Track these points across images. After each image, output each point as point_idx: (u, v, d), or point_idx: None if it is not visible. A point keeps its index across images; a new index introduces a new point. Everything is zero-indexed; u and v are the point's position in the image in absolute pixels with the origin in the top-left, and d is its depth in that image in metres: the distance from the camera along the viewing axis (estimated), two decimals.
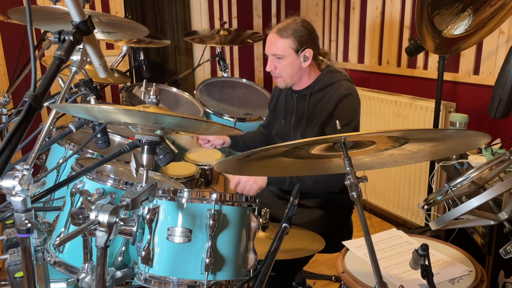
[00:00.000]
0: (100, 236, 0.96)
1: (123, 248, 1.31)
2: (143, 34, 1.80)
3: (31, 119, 0.87)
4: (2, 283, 1.62)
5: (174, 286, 1.20)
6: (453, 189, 1.20)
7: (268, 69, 1.90)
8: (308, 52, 1.83)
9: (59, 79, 1.78)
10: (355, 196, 1.03)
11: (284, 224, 1.23)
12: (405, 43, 3.10)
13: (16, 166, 0.93)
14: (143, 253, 1.20)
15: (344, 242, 1.46)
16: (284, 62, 1.84)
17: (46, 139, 1.32)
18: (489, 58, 2.61)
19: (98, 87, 1.60)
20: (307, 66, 1.86)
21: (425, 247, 1.12)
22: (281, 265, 1.58)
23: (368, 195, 3.46)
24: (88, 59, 1.17)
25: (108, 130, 1.41)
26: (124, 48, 2.75)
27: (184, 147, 2.38)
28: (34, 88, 0.90)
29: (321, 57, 1.92)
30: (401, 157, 1.25)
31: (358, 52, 3.59)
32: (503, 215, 1.18)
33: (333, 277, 2.39)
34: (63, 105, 1.11)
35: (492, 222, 1.19)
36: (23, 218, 0.96)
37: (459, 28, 2.31)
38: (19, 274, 1.30)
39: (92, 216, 0.96)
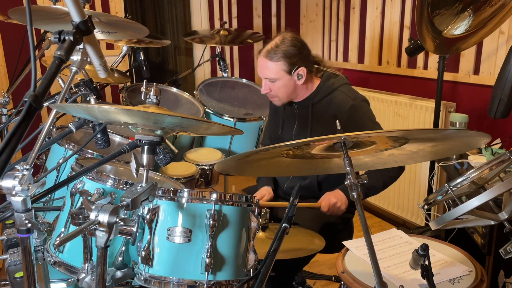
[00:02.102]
0: (100, 236, 0.96)
1: (123, 248, 1.31)
2: (143, 34, 1.80)
3: (31, 119, 0.87)
4: (2, 283, 1.62)
5: (174, 286, 1.20)
6: (453, 189, 1.20)
7: (263, 91, 1.88)
8: (302, 71, 1.81)
9: (59, 79, 1.78)
10: (355, 196, 1.03)
11: (284, 224, 1.23)
12: (405, 43, 3.10)
13: (16, 166, 0.93)
14: (143, 253, 1.20)
15: (344, 242, 1.46)
16: (278, 84, 1.83)
17: (46, 139, 1.32)
18: (489, 58, 2.61)
19: (98, 87, 1.60)
20: (302, 83, 1.85)
21: (425, 247, 1.12)
22: (282, 265, 1.58)
23: None
24: (88, 59, 1.17)
25: (108, 130, 1.41)
26: (124, 48, 2.75)
27: None
28: (34, 88, 0.90)
29: (316, 66, 1.91)
30: (401, 157, 1.25)
31: (358, 52, 3.59)
32: (503, 215, 1.17)
33: (333, 277, 2.39)
34: (63, 105, 1.11)
35: (492, 222, 1.19)
36: (23, 218, 0.96)
37: (459, 28, 2.31)
38: (19, 274, 1.30)
39: (92, 216, 0.96)
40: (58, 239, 0.94)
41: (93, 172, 1.30)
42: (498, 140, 2.33)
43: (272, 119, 2.11)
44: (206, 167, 2.26)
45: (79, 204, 1.28)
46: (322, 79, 1.91)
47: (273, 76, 1.81)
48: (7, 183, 0.91)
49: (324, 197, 1.83)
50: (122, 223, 0.99)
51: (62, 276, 1.40)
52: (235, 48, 4.13)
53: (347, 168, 1.06)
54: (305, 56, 1.83)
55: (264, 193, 1.98)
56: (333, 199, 1.80)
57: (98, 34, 1.71)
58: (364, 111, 1.85)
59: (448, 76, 2.81)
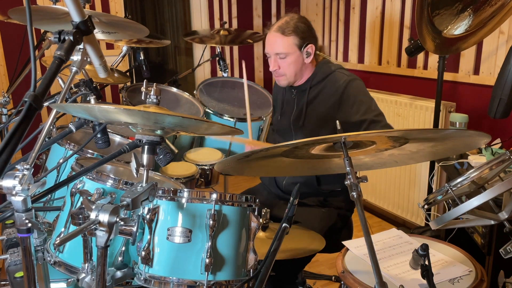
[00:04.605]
0: (100, 236, 0.96)
1: (123, 248, 1.31)
2: (143, 34, 1.80)
3: (31, 119, 0.87)
4: (2, 283, 1.62)
5: (174, 286, 1.20)
6: (453, 189, 1.20)
7: (272, 68, 1.87)
8: (311, 48, 1.83)
9: (59, 79, 1.78)
10: (355, 196, 1.03)
11: (284, 224, 1.23)
12: (405, 43, 3.10)
13: (16, 166, 0.93)
14: (143, 253, 1.20)
15: (344, 242, 1.46)
16: (289, 60, 1.83)
17: (46, 139, 1.32)
18: (489, 58, 2.61)
19: (98, 87, 1.60)
20: (309, 62, 1.86)
21: (425, 247, 1.12)
22: (282, 265, 1.58)
23: (368, 195, 3.46)
24: (88, 59, 1.17)
25: (108, 130, 1.41)
26: (124, 48, 2.75)
27: None
28: (34, 88, 0.90)
29: (318, 52, 1.93)
30: (401, 157, 1.25)
31: (358, 52, 3.59)
32: (503, 215, 1.17)
33: (333, 277, 2.39)
34: (63, 105, 1.11)
35: (492, 222, 1.19)
36: (23, 218, 0.96)
37: (459, 28, 2.31)
38: (19, 274, 1.30)
39: (92, 216, 0.96)
40: (58, 239, 0.94)
41: (93, 172, 1.30)
42: (498, 140, 2.33)
43: (275, 108, 2.13)
44: (206, 167, 2.26)
45: (79, 204, 1.28)
46: (319, 62, 1.92)
47: (284, 51, 1.82)
48: (7, 183, 0.91)
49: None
50: (122, 223, 0.99)
51: (62, 276, 1.40)
52: (235, 48, 4.13)
53: (347, 168, 1.06)
54: (313, 35, 1.86)
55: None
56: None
57: (98, 34, 1.72)
58: (358, 87, 1.86)
59: (448, 76, 2.81)
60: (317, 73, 1.90)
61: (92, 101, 1.44)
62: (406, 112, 3.04)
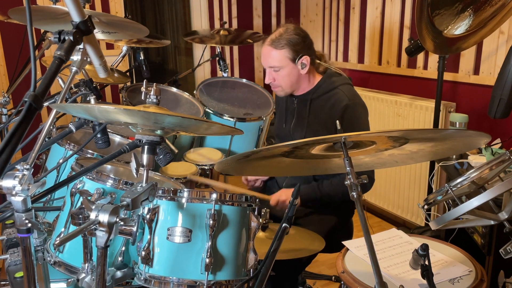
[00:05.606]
0: (100, 236, 0.96)
1: (123, 248, 1.31)
2: (143, 34, 1.80)
3: (31, 119, 0.87)
4: (2, 283, 1.62)
5: (174, 286, 1.20)
6: (453, 189, 1.20)
7: (267, 81, 1.89)
8: (305, 59, 1.82)
9: (59, 79, 1.78)
10: (355, 196, 1.03)
11: (284, 224, 1.23)
12: (405, 43, 3.10)
13: (16, 166, 0.93)
14: (143, 253, 1.20)
15: (344, 242, 1.46)
16: (282, 73, 1.83)
17: (46, 139, 1.32)
18: (489, 58, 2.61)
19: (98, 87, 1.61)
20: (306, 73, 1.85)
21: (425, 247, 1.12)
22: (283, 266, 1.58)
23: (368, 195, 3.46)
24: (88, 59, 1.17)
25: (108, 130, 1.41)
26: (124, 48, 2.75)
27: None
28: (34, 88, 0.90)
29: (318, 61, 1.91)
30: (401, 157, 1.25)
31: (358, 52, 3.59)
32: (503, 215, 1.17)
33: (333, 277, 2.39)
34: (63, 105, 1.11)
35: (492, 222, 1.19)
36: (23, 218, 0.96)
37: (459, 28, 2.31)
38: (19, 274, 1.30)
39: (92, 216, 0.96)
40: (58, 239, 0.94)
41: (93, 172, 1.30)
42: (498, 140, 2.33)
43: (277, 113, 2.14)
44: (206, 167, 2.26)
45: (79, 204, 1.28)
46: (324, 76, 1.91)
47: (277, 64, 1.82)
48: (7, 183, 0.91)
49: (277, 192, 1.88)
50: (122, 223, 0.99)
51: (62, 276, 1.39)
52: (235, 48, 4.14)
53: (347, 168, 1.06)
54: (308, 45, 1.84)
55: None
56: (283, 197, 1.85)
57: (98, 34, 1.71)
58: (357, 115, 1.84)
59: (448, 76, 2.82)
60: (320, 85, 1.89)
61: (92, 101, 1.44)
62: (406, 112, 3.04)
